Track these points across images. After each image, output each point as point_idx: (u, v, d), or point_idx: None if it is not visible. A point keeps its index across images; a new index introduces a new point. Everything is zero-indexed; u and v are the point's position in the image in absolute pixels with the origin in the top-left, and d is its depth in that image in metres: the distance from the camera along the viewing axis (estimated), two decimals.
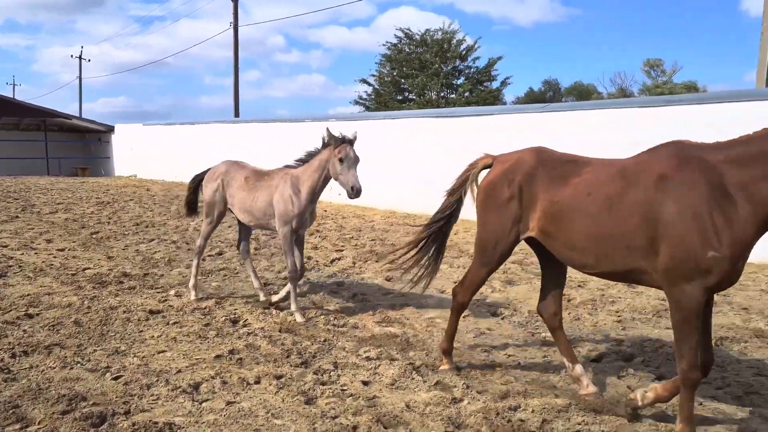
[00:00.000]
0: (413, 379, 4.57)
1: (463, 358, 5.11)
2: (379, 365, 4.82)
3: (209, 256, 9.23)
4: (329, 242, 10.47)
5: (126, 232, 11.39)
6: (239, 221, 6.96)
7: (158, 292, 7.05)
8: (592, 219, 3.83)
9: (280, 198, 6.19)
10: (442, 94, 40.21)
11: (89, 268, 8.21)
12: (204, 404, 4.13)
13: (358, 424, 3.85)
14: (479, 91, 39.74)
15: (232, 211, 6.84)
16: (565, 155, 4.30)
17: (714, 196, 3.42)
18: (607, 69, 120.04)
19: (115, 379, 4.51)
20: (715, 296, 7.03)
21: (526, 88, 62.71)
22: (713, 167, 3.47)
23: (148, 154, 26.28)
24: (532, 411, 4.05)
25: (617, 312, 6.46)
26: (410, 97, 41.17)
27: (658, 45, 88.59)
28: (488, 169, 4.62)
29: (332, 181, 6.08)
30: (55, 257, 8.94)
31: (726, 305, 6.70)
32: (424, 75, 39.16)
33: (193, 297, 6.68)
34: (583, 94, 57.53)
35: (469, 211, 4.81)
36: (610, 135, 10.78)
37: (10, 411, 3.93)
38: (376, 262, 8.81)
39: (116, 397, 4.20)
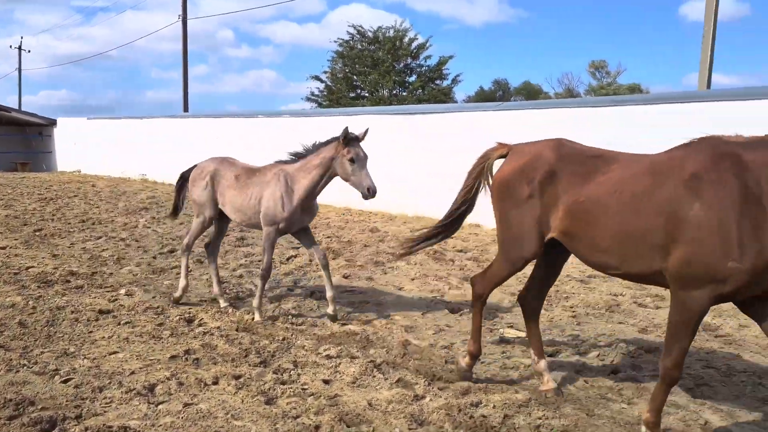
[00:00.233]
0: (374, 377, 4.54)
1: (423, 355, 5.10)
2: (340, 363, 4.77)
3: (160, 254, 8.99)
4: (284, 239, 10.32)
5: (71, 230, 10.98)
6: (215, 221, 6.53)
7: (108, 291, 6.81)
8: (617, 218, 3.62)
9: (270, 197, 5.86)
10: (394, 92, 40.30)
11: (33, 267, 7.88)
12: (160, 406, 4.00)
13: (320, 424, 3.80)
14: (431, 89, 40.02)
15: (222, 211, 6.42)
16: (588, 149, 4.07)
17: (745, 201, 3.19)
18: (554, 70, 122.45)
19: (65, 382, 4.32)
20: (663, 290, 7.28)
21: (476, 87, 63.46)
22: (748, 168, 3.23)
23: (92, 149, 25.42)
24: (494, 407, 4.07)
25: (572, 307, 6.58)
26: (363, 94, 41.13)
27: (603, 47, 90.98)
28: (503, 159, 4.41)
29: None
30: None
31: None
32: (377, 72, 39.19)
33: (177, 295, 6.38)
34: (531, 93, 58.60)
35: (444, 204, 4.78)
36: (560, 134, 10.98)
37: None
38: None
39: (66, 401, 4.02)
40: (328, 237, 10.76)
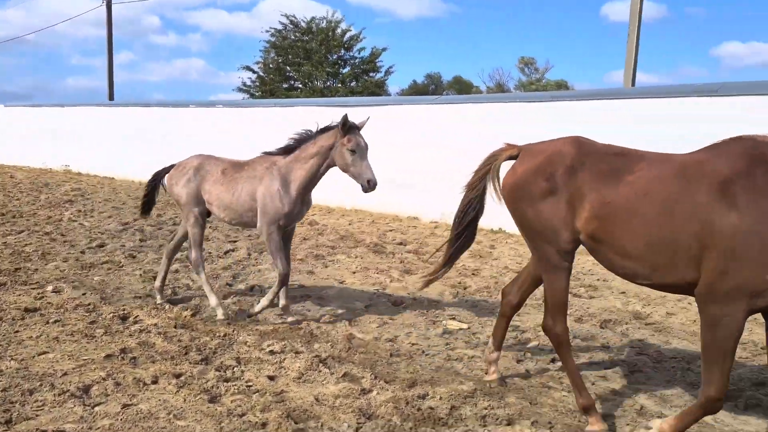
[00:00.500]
0: (320, 371, 4.49)
1: (368, 348, 5.10)
2: (285, 359, 4.70)
3: (89, 248, 8.60)
4: (221, 233, 10.10)
5: None
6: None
7: (33, 289, 6.46)
8: (648, 223, 3.35)
9: (266, 192, 5.49)
10: (328, 83, 40.04)
11: None
12: (97, 408, 3.83)
13: (267, 421, 3.73)
14: (364, 80, 39.98)
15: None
16: (609, 147, 3.78)
17: None
18: (485, 65, 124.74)
19: None
20: (596, 280, 7.55)
21: (409, 81, 63.84)
22: None
23: (10, 138, 24.05)
24: (440, 398, 4.11)
25: None
26: (296, 85, 40.65)
27: (532, 44, 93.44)
28: (512, 161, 4.10)
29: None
30: None
31: (606, 289, 7.18)
32: (310, 63, 38.80)
33: (221, 316, 5.72)
34: (463, 88, 59.48)
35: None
36: (496, 127, 11.18)
37: None
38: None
39: None
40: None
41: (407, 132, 12.49)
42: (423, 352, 5.10)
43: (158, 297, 6.19)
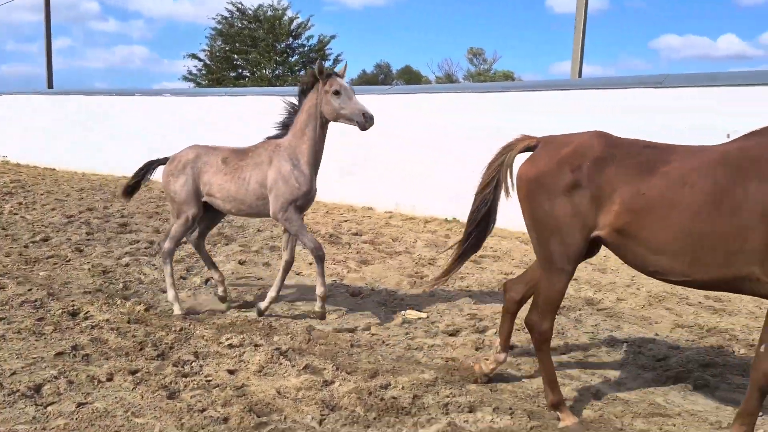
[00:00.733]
0: (281, 364, 4.45)
1: (328, 340, 5.08)
2: (244, 352, 4.64)
3: (32, 242, 8.27)
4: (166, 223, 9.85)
5: None
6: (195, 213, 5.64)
7: None
8: (691, 216, 3.16)
9: (278, 176, 5.21)
10: (276, 72, 39.51)
11: None
12: (50, 408, 3.69)
13: (229, 416, 3.68)
14: (313, 69, 39.67)
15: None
16: (635, 140, 3.60)
17: None
18: (434, 55, 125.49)
19: None
20: None
21: (359, 71, 63.68)
22: None
23: None
24: (402, 388, 4.13)
25: (467, 287, 6.81)
26: (244, 73, 39.98)
27: (480, 34, 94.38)
28: (529, 152, 3.88)
29: None
30: None
31: None
32: (257, 52, 38.21)
33: (177, 311, 5.54)
34: (413, 78, 59.67)
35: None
36: (451, 116, 11.27)
37: None
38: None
39: None
40: (220, 221, 10.39)
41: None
42: (383, 342, 5.12)
43: (219, 289, 5.90)
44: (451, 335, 5.34)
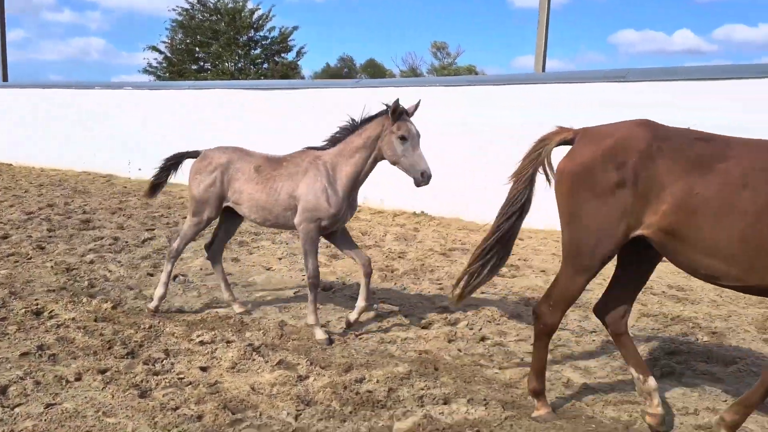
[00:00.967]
0: (254, 360, 4.42)
1: (300, 335, 5.06)
2: (216, 349, 4.59)
3: None
4: (136, 221, 9.68)
5: None
6: (218, 218, 5.53)
7: None
8: (751, 219, 2.97)
9: (309, 189, 4.91)
10: (239, 65, 39.05)
11: None
12: (17, 410, 3.60)
13: (203, 413, 3.64)
14: (275, 62, 39.29)
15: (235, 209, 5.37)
16: (684, 130, 3.39)
17: None
18: (398, 48, 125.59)
19: None
20: (517, 260, 7.81)
21: (322, 64, 63.34)
22: None
23: None
24: (377, 381, 4.14)
25: (438, 280, 6.85)
26: (206, 66, 39.40)
27: (444, 28, 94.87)
28: (567, 146, 3.65)
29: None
30: None
31: (527, 269, 7.45)
32: (219, 44, 37.69)
33: (152, 306, 5.41)
34: (377, 71, 59.62)
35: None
36: (417, 112, 11.29)
37: None
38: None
39: None
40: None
41: (328, 116, 12.37)
42: (356, 336, 5.12)
43: (236, 307, 5.60)
44: (423, 328, 5.37)
